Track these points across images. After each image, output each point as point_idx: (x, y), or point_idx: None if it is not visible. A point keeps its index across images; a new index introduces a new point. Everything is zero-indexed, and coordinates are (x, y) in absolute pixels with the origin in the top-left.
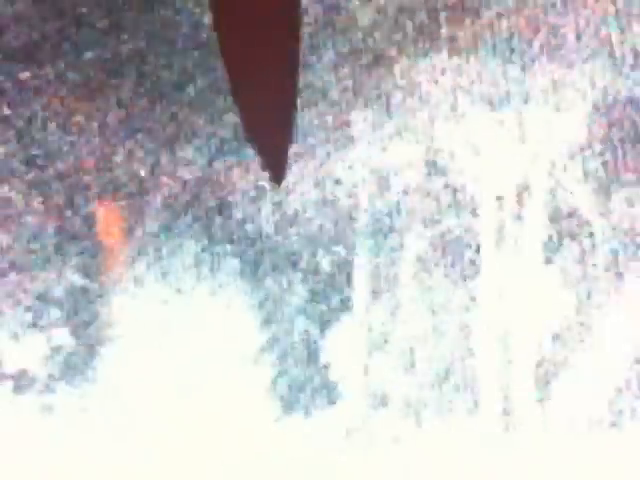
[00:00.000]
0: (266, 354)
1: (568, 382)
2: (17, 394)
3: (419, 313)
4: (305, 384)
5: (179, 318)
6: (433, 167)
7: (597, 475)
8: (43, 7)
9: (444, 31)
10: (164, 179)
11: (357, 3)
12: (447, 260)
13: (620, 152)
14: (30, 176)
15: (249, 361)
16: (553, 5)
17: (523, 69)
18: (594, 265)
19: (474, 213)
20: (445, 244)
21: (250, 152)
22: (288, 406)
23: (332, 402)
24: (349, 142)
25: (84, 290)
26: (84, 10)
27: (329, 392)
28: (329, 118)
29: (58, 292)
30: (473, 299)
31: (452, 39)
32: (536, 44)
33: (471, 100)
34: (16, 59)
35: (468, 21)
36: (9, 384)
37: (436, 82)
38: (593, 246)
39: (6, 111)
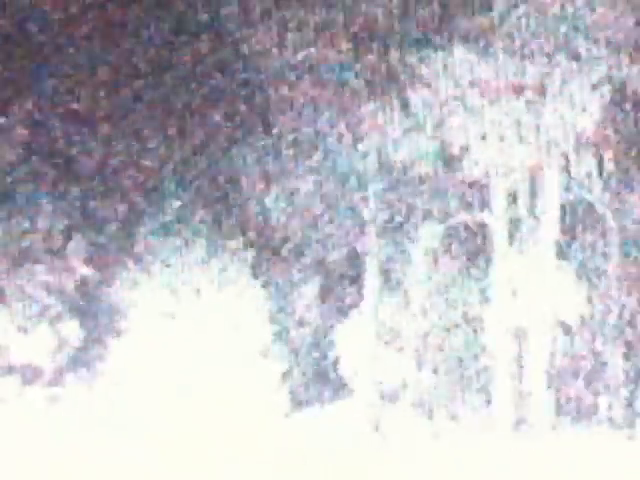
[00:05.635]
0: (276, 348)
1: (581, 377)
2: (25, 386)
3: (431, 308)
4: (315, 378)
5: (189, 312)
6: (446, 161)
7: (610, 469)
8: None
9: (459, 25)
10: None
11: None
12: (459, 255)
13: (633, 145)
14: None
15: (259, 355)
16: (568, 0)
17: (537, 64)
18: (607, 259)
19: (487, 207)
20: (457, 238)
21: (262, 146)
22: (298, 400)
23: (342, 397)
24: (362, 135)
25: (93, 283)
26: None
27: (339, 387)
28: (343, 112)
29: (67, 285)
30: (486, 294)
31: (467, 33)
32: (551, 39)
33: (484, 95)
34: None
35: (482, 15)
36: (17, 376)
37: (450, 76)
38: (606, 240)
39: None
